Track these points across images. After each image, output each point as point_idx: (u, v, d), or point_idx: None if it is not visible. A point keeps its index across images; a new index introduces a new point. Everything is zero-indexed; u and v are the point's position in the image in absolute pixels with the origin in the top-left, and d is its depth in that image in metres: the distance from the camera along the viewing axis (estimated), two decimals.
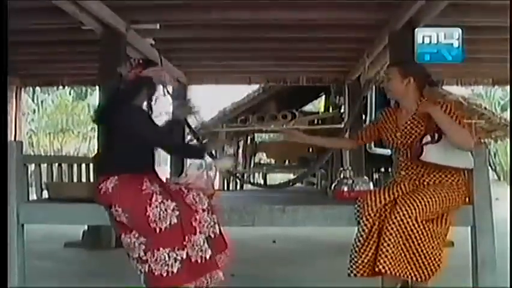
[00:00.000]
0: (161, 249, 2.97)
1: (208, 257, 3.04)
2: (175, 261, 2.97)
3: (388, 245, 3.00)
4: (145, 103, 3.34)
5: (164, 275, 2.96)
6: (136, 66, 3.31)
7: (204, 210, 3.15)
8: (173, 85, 3.51)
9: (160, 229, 3.00)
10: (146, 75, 3.29)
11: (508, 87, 9.67)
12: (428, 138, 3.26)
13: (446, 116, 3.22)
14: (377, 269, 2.99)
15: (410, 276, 3.05)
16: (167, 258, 2.97)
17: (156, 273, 2.96)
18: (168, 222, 3.02)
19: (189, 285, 3.00)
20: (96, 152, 3.61)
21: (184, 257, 2.99)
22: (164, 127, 3.42)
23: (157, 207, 3.03)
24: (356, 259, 3.10)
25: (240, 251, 5.44)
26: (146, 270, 3.00)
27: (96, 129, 3.15)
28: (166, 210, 3.03)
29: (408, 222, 3.03)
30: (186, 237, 3.02)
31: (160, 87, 3.39)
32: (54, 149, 20.43)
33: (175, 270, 2.96)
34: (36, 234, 5.58)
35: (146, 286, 3.06)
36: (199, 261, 3.02)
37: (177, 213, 3.04)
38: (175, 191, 3.22)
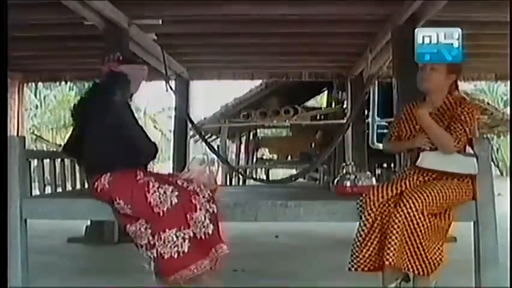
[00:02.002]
0: (167, 230, 3.01)
1: (210, 231, 3.06)
2: (184, 241, 3.01)
3: (396, 237, 3.00)
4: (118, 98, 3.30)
5: (175, 256, 2.99)
6: (112, 60, 3.36)
7: (204, 197, 3.17)
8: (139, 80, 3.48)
9: (163, 211, 3.05)
10: (119, 70, 3.30)
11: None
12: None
13: (429, 120, 3.28)
14: (386, 262, 2.99)
15: (412, 270, 3.06)
16: (175, 239, 3.00)
17: (166, 257, 2.99)
18: (169, 203, 3.06)
19: (204, 261, 3.03)
20: (66, 141, 3.57)
21: (192, 235, 3.03)
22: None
23: (155, 192, 3.09)
24: (357, 254, 3.11)
25: (243, 246, 5.48)
26: (155, 255, 3.02)
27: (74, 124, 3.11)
28: (165, 192, 3.08)
29: (414, 216, 3.03)
30: (188, 215, 3.06)
31: (136, 84, 3.40)
32: (57, 144, 20.47)
33: (186, 250, 3.00)
34: (39, 230, 5.59)
35: (157, 273, 3.08)
36: (203, 237, 3.05)
37: (176, 193, 3.09)
38: (171, 180, 3.26)
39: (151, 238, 3.04)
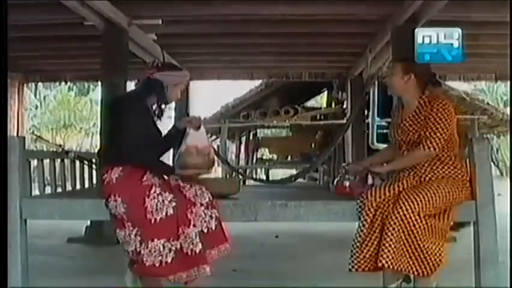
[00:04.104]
0: (155, 240, 3.02)
1: (198, 250, 3.06)
2: (170, 252, 3.02)
3: (391, 239, 3.00)
4: (154, 105, 3.39)
5: (157, 265, 3.00)
6: (150, 67, 3.39)
7: (202, 205, 3.18)
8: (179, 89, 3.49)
9: (156, 220, 3.05)
10: (155, 78, 3.33)
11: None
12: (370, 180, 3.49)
13: (386, 167, 3.47)
14: (380, 264, 3.00)
15: (411, 271, 3.06)
16: (161, 249, 3.01)
17: (148, 264, 3.00)
18: (164, 213, 3.06)
19: (182, 274, 3.05)
20: (99, 147, 3.65)
21: (178, 247, 3.05)
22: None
23: (154, 198, 3.09)
24: (357, 254, 3.11)
25: (243, 246, 5.47)
26: (139, 261, 3.03)
27: (101, 121, 3.12)
28: (163, 201, 3.09)
29: (410, 217, 3.03)
30: (180, 229, 3.07)
31: (175, 91, 3.41)
32: (57, 144, 20.43)
33: (169, 260, 3.02)
34: (39, 230, 5.59)
35: (133, 272, 3.15)
36: (189, 253, 3.06)
37: (174, 204, 3.09)
38: (174, 186, 3.26)
39: (138, 245, 3.04)
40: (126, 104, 3.33)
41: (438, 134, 3.22)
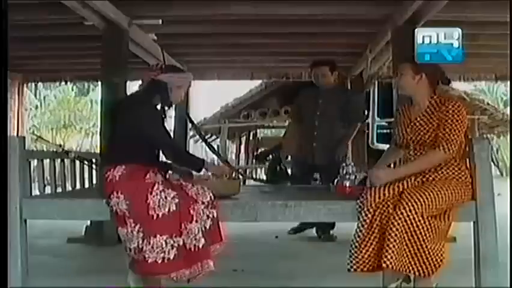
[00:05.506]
0: (158, 236, 3.02)
1: (201, 246, 3.08)
2: (172, 248, 3.02)
3: (394, 240, 2.99)
4: (158, 106, 3.42)
5: (159, 261, 3.00)
6: (154, 69, 3.43)
7: (203, 203, 3.20)
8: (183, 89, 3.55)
9: (158, 216, 3.06)
10: (160, 79, 3.36)
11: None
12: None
13: (400, 171, 3.37)
14: (384, 265, 2.99)
15: (413, 272, 3.06)
16: (164, 245, 3.02)
17: (150, 261, 3.00)
18: (167, 209, 3.08)
19: (185, 271, 3.06)
20: (101, 146, 3.67)
21: (181, 243, 3.05)
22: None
23: (157, 194, 3.10)
24: (355, 254, 3.10)
25: (243, 246, 5.47)
26: (141, 259, 3.04)
27: (103, 123, 3.13)
28: (166, 198, 3.10)
29: (414, 218, 3.02)
30: (183, 225, 3.08)
31: (178, 93, 3.47)
32: (57, 144, 20.41)
33: (171, 257, 3.02)
34: (39, 230, 5.60)
35: (134, 271, 3.16)
36: (192, 249, 3.07)
37: (176, 201, 3.11)
38: (176, 184, 3.29)
39: (140, 242, 3.05)
40: (141, 104, 3.34)
41: (456, 137, 3.21)
